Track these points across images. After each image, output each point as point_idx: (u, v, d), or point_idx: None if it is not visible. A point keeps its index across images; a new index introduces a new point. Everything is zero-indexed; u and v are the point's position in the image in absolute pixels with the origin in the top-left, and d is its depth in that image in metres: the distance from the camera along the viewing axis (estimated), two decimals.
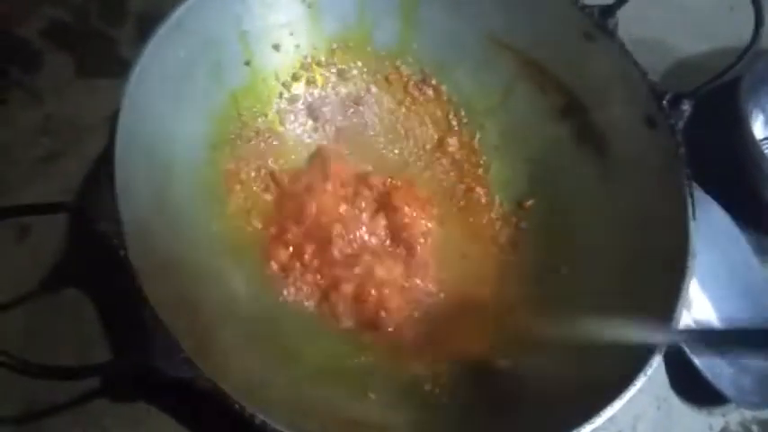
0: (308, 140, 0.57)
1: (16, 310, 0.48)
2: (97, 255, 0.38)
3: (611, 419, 0.39)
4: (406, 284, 0.53)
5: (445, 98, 0.60)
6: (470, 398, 0.46)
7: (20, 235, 0.51)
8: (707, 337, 0.46)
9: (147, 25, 0.44)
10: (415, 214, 0.55)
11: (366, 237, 0.54)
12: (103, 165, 0.39)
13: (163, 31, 0.44)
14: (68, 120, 0.56)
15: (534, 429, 0.41)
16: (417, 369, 0.48)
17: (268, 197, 0.53)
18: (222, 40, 0.50)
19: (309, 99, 0.58)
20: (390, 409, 0.44)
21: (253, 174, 0.53)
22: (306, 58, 0.57)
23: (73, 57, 0.59)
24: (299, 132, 0.57)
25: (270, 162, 0.54)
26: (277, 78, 0.56)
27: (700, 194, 0.60)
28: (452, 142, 0.60)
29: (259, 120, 0.55)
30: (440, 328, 0.51)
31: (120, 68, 0.57)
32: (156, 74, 0.44)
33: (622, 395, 0.40)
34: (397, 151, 0.60)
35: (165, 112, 0.45)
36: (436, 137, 0.60)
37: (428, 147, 0.60)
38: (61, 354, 0.46)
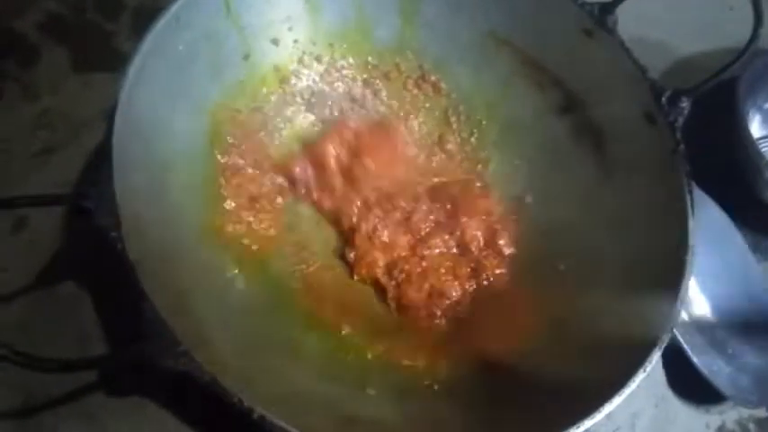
0: (306, 136, 0.57)
1: (12, 303, 0.48)
2: (94, 247, 0.38)
3: (609, 417, 0.39)
4: None
5: (444, 95, 0.60)
6: (469, 394, 0.46)
7: (16, 227, 0.51)
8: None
9: (143, 18, 0.44)
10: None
11: None
12: (101, 159, 0.39)
13: (161, 25, 0.44)
14: (65, 114, 0.56)
15: (533, 425, 0.41)
16: (417, 365, 0.48)
17: (267, 191, 0.53)
18: (220, 34, 0.50)
19: (307, 94, 0.57)
20: (389, 405, 0.44)
21: (251, 168, 0.53)
22: (304, 53, 0.56)
23: (69, 50, 0.59)
24: (297, 127, 0.57)
25: (269, 157, 0.54)
26: (276, 73, 0.55)
27: (697, 193, 0.59)
28: (452, 139, 0.60)
29: (257, 114, 0.54)
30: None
31: (117, 62, 0.57)
32: (154, 68, 0.43)
33: (621, 392, 0.39)
34: None
35: (163, 106, 0.45)
36: (436, 133, 0.60)
37: (427, 143, 0.60)
38: (58, 347, 0.46)
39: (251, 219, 0.51)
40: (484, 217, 0.55)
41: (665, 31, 0.74)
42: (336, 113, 0.58)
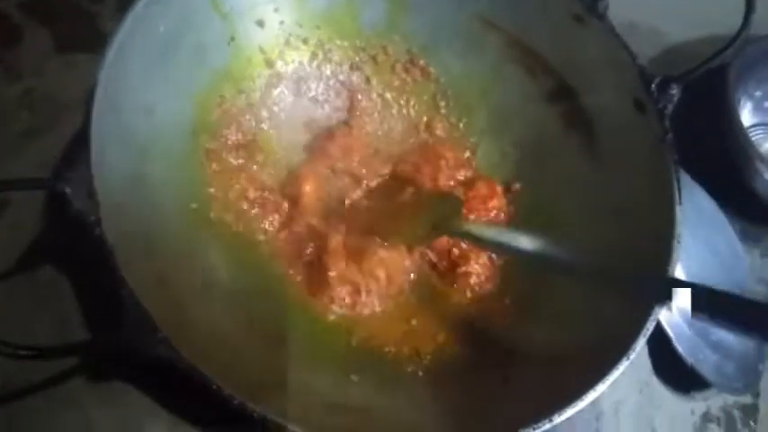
0: (292, 119, 0.56)
1: None
2: (74, 232, 0.37)
3: (593, 403, 0.39)
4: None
5: (433, 79, 0.59)
6: (454, 381, 0.46)
7: None
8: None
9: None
10: None
11: None
12: (80, 142, 0.38)
13: (141, 5, 0.43)
14: (48, 95, 0.55)
15: (516, 413, 0.41)
16: (401, 352, 0.48)
17: (252, 176, 0.52)
18: (204, 16, 0.49)
19: (294, 77, 0.57)
20: (373, 392, 0.44)
21: (234, 154, 0.52)
22: (291, 35, 0.55)
23: (53, 31, 0.58)
24: (283, 112, 0.56)
25: (255, 141, 0.53)
26: (261, 55, 0.54)
27: (686, 180, 0.60)
28: (440, 124, 0.59)
29: (242, 98, 0.53)
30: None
31: (101, 44, 0.56)
32: (135, 50, 0.43)
33: (604, 379, 0.40)
34: (382, 133, 0.59)
35: (145, 89, 0.44)
36: (424, 118, 0.59)
37: (415, 128, 0.59)
38: (38, 333, 0.46)
39: (234, 205, 0.50)
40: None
41: (655, 17, 0.74)
42: (323, 97, 0.58)
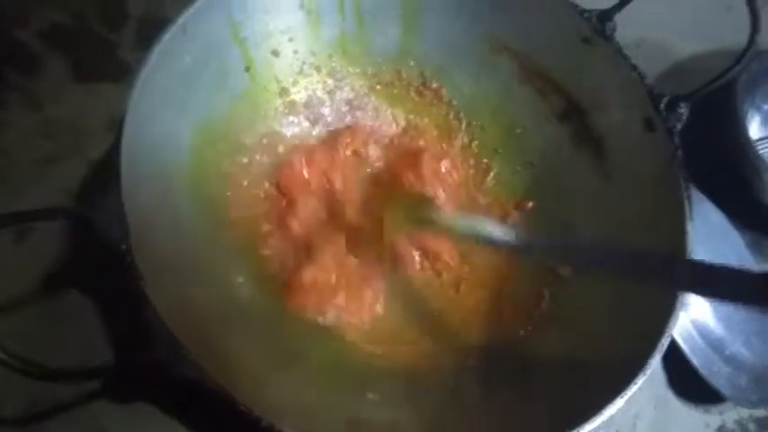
0: (308, 145, 0.57)
1: (16, 312, 0.48)
2: (98, 256, 0.38)
3: (609, 419, 0.40)
4: None
5: (445, 101, 0.60)
6: (471, 398, 0.46)
7: (19, 236, 0.50)
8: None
9: (146, 29, 0.44)
10: None
11: None
12: (108, 169, 0.39)
13: (168, 36, 0.44)
14: (67, 123, 0.56)
15: (535, 429, 0.42)
16: (418, 370, 0.49)
17: (268, 201, 0.53)
18: (222, 46, 0.50)
19: (308, 104, 0.58)
20: (393, 409, 0.45)
21: (253, 178, 0.53)
22: (304, 63, 0.57)
23: (72, 60, 0.59)
24: (298, 137, 0.57)
25: (269, 166, 0.54)
26: (276, 84, 0.55)
27: (696, 195, 0.60)
28: (453, 145, 0.60)
29: (259, 125, 0.54)
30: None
31: (119, 72, 0.57)
32: (160, 79, 0.44)
33: (623, 394, 0.40)
34: None
35: (169, 117, 0.45)
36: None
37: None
38: (63, 356, 0.46)
39: (255, 228, 0.51)
40: None
41: (664, 33, 0.75)
42: (337, 122, 0.59)
